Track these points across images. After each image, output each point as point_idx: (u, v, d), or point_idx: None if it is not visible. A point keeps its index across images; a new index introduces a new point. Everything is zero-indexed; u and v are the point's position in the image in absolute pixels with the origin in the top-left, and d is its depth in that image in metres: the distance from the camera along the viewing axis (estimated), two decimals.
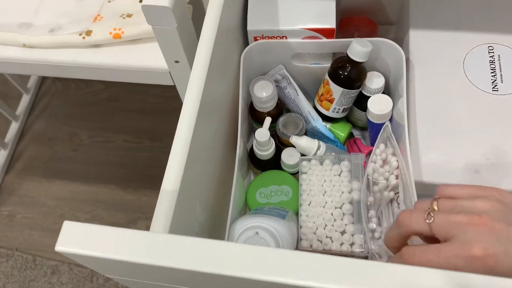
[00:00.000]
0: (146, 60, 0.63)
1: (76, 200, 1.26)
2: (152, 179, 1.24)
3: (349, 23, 0.69)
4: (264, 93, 0.54)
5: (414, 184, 0.46)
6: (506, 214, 0.32)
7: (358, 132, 0.65)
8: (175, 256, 0.27)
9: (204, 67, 0.43)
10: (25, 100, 1.34)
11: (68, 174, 1.29)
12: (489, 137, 0.50)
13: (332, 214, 0.50)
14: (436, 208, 0.34)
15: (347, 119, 0.64)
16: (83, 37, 0.64)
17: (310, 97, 0.62)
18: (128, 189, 1.28)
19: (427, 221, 0.34)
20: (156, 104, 1.35)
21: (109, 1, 0.67)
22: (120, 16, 0.65)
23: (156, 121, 1.33)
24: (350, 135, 0.64)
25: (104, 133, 1.34)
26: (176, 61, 0.57)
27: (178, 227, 0.37)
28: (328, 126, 0.61)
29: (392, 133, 0.50)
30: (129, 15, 0.65)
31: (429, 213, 0.34)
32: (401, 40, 0.61)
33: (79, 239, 0.29)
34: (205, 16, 0.45)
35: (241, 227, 0.42)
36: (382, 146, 0.50)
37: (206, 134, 0.46)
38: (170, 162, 0.38)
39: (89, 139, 1.34)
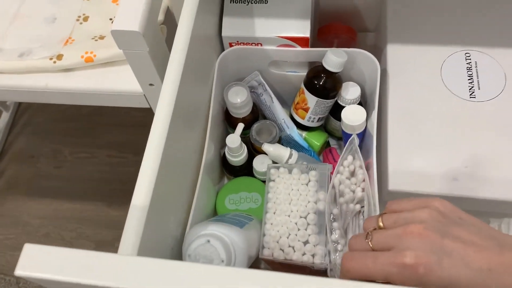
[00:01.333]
0: (120, 83, 0.64)
1: (60, 218, 1.25)
2: None
3: (328, 30, 0.70)
4: (238, 99, 0.57)
5: (377, 196, 0.49)
6: (442, 224, 0.34)
7: (335, 142, 0.65)
8: (138, 278, 0.27)
9: (175, 77, 0.44)
10: (4, 117, 1.35)
11: (52, 191, 1.29)
12: (468, 144, 0.51)
13: (296, 224, 0.51)
14: (381, 223, 0.36)
15: (325, 128, 0.64)
16: (54, 62, 0.64)
17: (287, 104, 0.62)
18: (113, 205, 1.28)
19: (367, 240, 0.36)
20: (140, 118, 1.35)
21: (81, 23, 0.67)
22: (92, 38, 0.66)
23: (140, 135, 1.32)
24: (327, 145, 0.64)
25: (88, 149, 1.34)
26: (151, 84, 0.57)
27: (149, 244, 0.37)
28: (304, 134, 0.62)
29: (357, 146, 0.50)
30: (101, 37, 0.65)
31: (368, 233, 0.36)
32: (380, 48, 0.61)
33: (40, 262, 0.28)
34: (178, 26, 0.45)
35: (194, 234, 0.42)
36: (350, 158, 0.51)
37: (182, 145, 0.47)
38: (140, 178, 0.39)
39: (72, 155, 1.34)
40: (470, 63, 0.57)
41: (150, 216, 0.38)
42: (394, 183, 0.51)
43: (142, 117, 1.37)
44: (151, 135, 0.42)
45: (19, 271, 0.28)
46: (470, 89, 0.55)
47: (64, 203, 1.29)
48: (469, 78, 0.56)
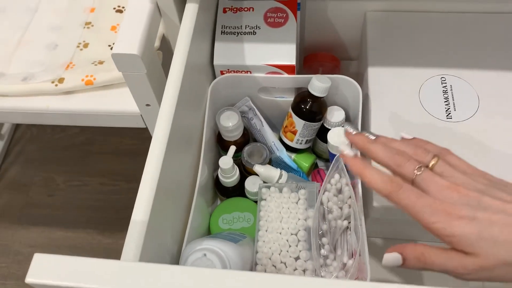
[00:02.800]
0: (118, 104, 0.67)
1: (53, 246, 1.25)
2: (129, 222, 1.23)
3: (314, 59, 0.74)
4: (230, 123, 0.59)
5: (363, 212, 0.51)
6: (486, 191, 0.38)
7: (323, 164, 0.68)
8: (145, 283, 0.29)
9: (172, 102, 0.47)
10: None
11: (44, 220, 1.30)
12: None
13: (287, 240, 0.53)
14: (434, 162, 0.41)
15: (313, 151, 0.67)
16: (56, 85, 0.67)
17: (276, 128, 0.65)
18: (106, 232, 1.29)
19: (415, 171, 0.40)
20: (132, 146, 1.37)
21: (81, 49, 0.71)
22: (92, 63, 0.69)
23: (132, 163, 1.35)
24: (315, 166, 0.67)
25: (80, 177, 1.36)
26: (147, 105, 0.60)
27: (148, 257, 0.39)
28: (293, 156, 0.65)
29: (343, 164, 0.53)
30: (100, 62, 0.69)
31: (421, 167, 0.40)
32: (362, 74, 0.65)
33: (49, 270, 0.30)
34: (173, 55, 0.48)
35: (191, 249, 0.44)
36: (336, 176, 0.54)
37: (177, 167, 0.50)
38: (139, 194, 0.41)
39: (65, 183, 1.35)
40: (446, 87, 0.61)
41: (149, 231, 0.40)
42: (378, 199, 0.54)
43: (134, 146, 1.39)
44: (149, 156, 0.44)
45: (29, 279, 0.30)
46: (446, 111, 0.59)
47: (56, 231, 1.29)
48: (445, 100, 0.60)
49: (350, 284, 0.29)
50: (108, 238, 1.27)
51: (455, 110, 0.59)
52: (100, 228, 1.28)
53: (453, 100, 0.59)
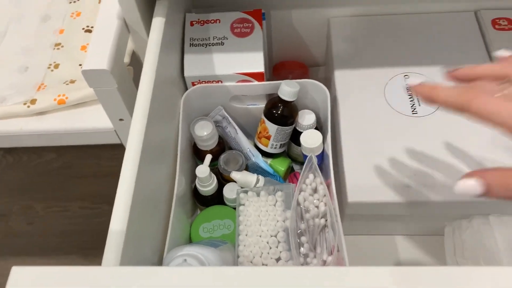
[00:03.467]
0: (91, 121, 0.67)
1: None
2: None
3: (282, 67, 0.75)
4: (204, 132, 0.60)
5: (338, 209, 0.52)
6: None
7: (299, 167, 0.70)
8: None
9: (143, 115, 0.47)
10: None
11: (25, 249, 1.27)
12: (414, 154, 0.56)
13: (267, 242, 0.54)
14: None
15: (288, 155, 0.68)
16: (28, 106, 0.67)
17: (251, 135, 0.66)
18: (89, 257, 1.26)
19: (501, 87, 0.35)
20: (110, 168, 1.36)
21: (52, 70, 0.71)
22: (64, 83, 0.69)
23: (111, 184, 1.31)
24: (291, 170, 0.68)
25: (60, 203, 1.34)
26: (121, 119, 0.61)
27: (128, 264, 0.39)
28: (269, 161, 0.66)
29: (316, 164, 0.54)
30: (72, 81, 0.69)
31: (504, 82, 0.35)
32: (329, 78, 0.67)
33: (28, 283, 0.30)
34: (142, 69, 0.49)
35: (171, 256, 0.45)
36: (311, 176, 0.56)
37: (153, 179, 0.50)
38: (115, 207, 0.41)
39: (44, 210, 1.33)
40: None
41: (127, 241, 0.40)
42: (353, 196, 0.55)
43: (113, 167, 1.38)
44: (122, 169, 0.45)
45: None
46: (411, 106, 0.61)
47: (37, 260, 1.26)
48: (409, 96, 0.62)
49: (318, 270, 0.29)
50: (91, 262, 1.25)
51: (419, 105, 0.61)
52: (82, 253, 1.26)
53: (417, 96, 0.61)
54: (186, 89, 0.63)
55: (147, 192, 0.48)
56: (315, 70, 0.81)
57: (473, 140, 0.57)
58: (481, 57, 0.65)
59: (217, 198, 0.63)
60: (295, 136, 0.65)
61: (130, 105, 0.60)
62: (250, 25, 0.64)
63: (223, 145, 0.66)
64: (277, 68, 0.77)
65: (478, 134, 0.58)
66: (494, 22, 0.68)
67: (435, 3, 0.70)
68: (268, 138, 0.64)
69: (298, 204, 0.56)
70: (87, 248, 1.26)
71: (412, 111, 0.60)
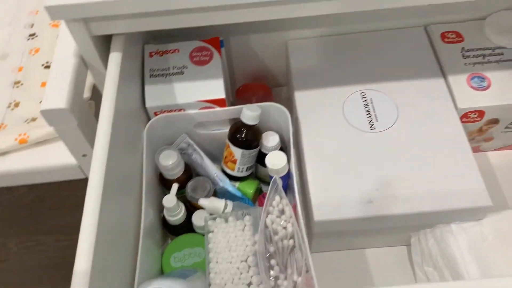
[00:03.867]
0: (55, 158, 0.67)
1: None
2: None
3: (246, 89, 0.77)
4: (169, 161, 0.61)
5: (304, 229, 0.52)
6: None
7: (267, 187, 0.70)
8: None
9: (103, 149, 0.47)
10: None
11: None
12: (375, 169, 0.57)
13: (238, 268, 0.54)
14: None
15: (256, 176, 0.69)
16: None
17: (218, 159, 0.67)
18: None
19: None
20: (84, 198, 1.32)
21: (12, 109, 0.70)
22: (25, 121, 0.68)
23: None
24: (260, 191, 0.68)
25: (34, 237, 1.30)
26: (84, 155, 0.60)
27: None
28: (237, 185, 0.66)
29: (281, 186, 0.55)
30: (33, 119, 0.68)
31: None
32: (291, 98, 0.68)
33: None
34: (101, 103, 0.49)
35: None
36: (277, 198, 0.56)
37: (119, 212, 0.50)
38: (79, 245, 0.40)
39: (18, 246, 1.29)
40: (366, 100, 0.64)
41: (93, 279, 0.40)
42: (318, 214, 0.56)
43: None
44: (85, 206, 0.44)
45: None
46: (369, 122, 0.62)
47: None
48: (367, 113, 0.63)
49: None
50: None
51: (377, 121, 0.62)
52: (60, 286, 1.23)
53: (374, 112, 0.63)
54: (149, 119, 0.63)
55: (113, 226, 0.47)
56: (278, 90, 0.82)
57: (429, 151, 0.59)
58: (433, 69, 0.67)
59: (187, 226, 0.62)
60: (261, 158, 0.66)
61: (92, 141, 0.59)
62: (209, 53, 0.64)
63: (190, 173, 0.66)
64: (241, 91, 0.78)
65: (434, 145, 0.60)
66: (443, 36, 0.71)
67: (387, 20, 0.72)
68: (234, 162, 0.64)
69: (266, 226, 0.56)
70: (64, 280, 1.23)
71: (370, 127, 0.62)
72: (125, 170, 0.55)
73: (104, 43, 0.58)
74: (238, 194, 0.65)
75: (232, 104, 0.72)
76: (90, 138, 0.59)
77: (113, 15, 0.52)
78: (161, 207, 0.65)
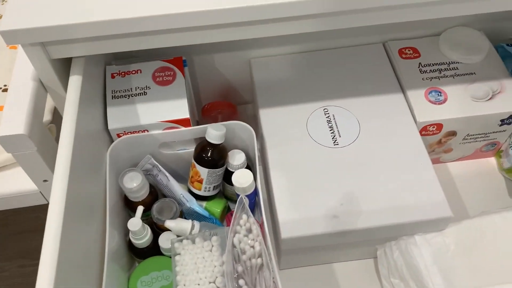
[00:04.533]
0: (14, 185, 0.65)
1: None
2: None
3: (211, 107, 0.76)
4: (134, 184, 0.60)
5: (271, 247, 0.53)
6: None
7: (235, 205, 0.69)
8: None
9: (64, 174, 0.47)
10: None
11: None
12: (339, 184, 0.58)
13: None
14: None
15: (224, 195, 0.68)
16: None
17: (185, 179, 0.66)
18: None
19: None
20: None
21: None
22: None
23: None
24: (228, 209, 0.68)
25: None
26: (45, 180, 0.58)
27: None
28: (204, 204, 0.65)
29: (247, 205, 0.55)
30: None
31: None
32: (257, 116, 0.68)
33: None
34: (62, 125, 0.48)
35: None
36: (244, 216, 0.55)
37: (82, 237, 0.48)
38: (39, 273, 0.39)
39: None
40: (329, 116, 0.65)
41: None
42: (285, 231, 0.56)
43: None
44: (46, 231, 0.43)
45: None
46: (333, 138, 0.63)
47: None
48: (330, 129, 0.64)
49: None
50: None
51: (340, 136, 0.63)
52: None
53: (337, 128, 0.64)
54: (112, 141, 0.62)
55: (76, 252, 0.46)
56: (244, 107, 0.83)
57: (391, 165, 0.60)
58: (392, 84, 0.69)
59: (153, 249, 0.61)
60: (228, 176, 0.65)
61: (53, 165, 0.58)
62: (172, 73, 0.64)
63: (155, 194, 0.65)
64: (206, 110, 0.78)
65: (396, 158, 0.61)
66: (401, 52, 0.73)
67: (347, 37, 0.74)
68: (201, 181, 0.64)
69: (234, 246, 0.55)
70: None
71: (334, 142, 0.63)
72: (88, 194, 0.53)
73: (64, 66, 0.56)
74: (205, 214, 0.65)
75: (198, 123, 0.71)
76: (51, 163, 0.58)
77: (72, 39, 0.51)
78: (126, 230, 0.64)
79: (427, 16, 0.53)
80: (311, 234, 0.56)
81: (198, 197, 0.66)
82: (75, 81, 0.54)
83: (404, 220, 0.56)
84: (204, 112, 0.78)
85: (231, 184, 0.65)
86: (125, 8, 0.50)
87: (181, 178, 0.68)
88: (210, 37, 0.54)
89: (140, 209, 0.59)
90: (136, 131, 0.62)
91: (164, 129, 0.63)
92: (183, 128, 0.63)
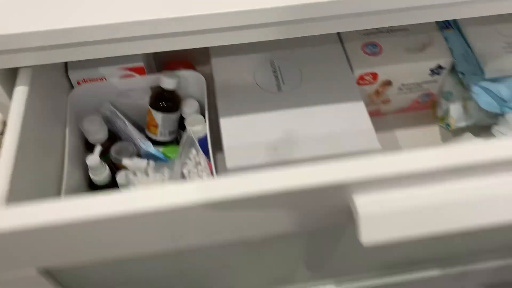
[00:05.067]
0: None
1: None
2: None
3: (169, 66, 0.81)
4: (91, 126, 0.63)
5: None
6: None
7: None
8: None
9: (19, 112, 0.50)
10: None
11: None
12: (280, 122, 0.64)
13: None
14: None
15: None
16: None
17: (144, 130, 0.71)
18: None
19: None
20: None
21: None
22: None
23: None
24: None
25: None
26: None
27: None
28: (160, 150, 0.70)
29: (196, 140, 0.60)
30: None
31: None
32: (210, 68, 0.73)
33: None
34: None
35: None
36: (194, 151, 0.60)
37: (38, 172, 0.52)
38: None
39: None
40: (275, 67, 0.71)
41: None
42: (230, 161, 0.62)
43: None
44: None
45: None
46: (277, 85, 0.69)
47: None
48: (275, 77, 0.70)
49: None
50: None
51: (284, 84, 0.69)
52: None
53: (281, 76, 0.70)
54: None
55: (29, 183, 0.50)
56: (202, 68, 0.88)
57: (329, 107, 0.67)
58: (332, 38, 0.75)
59: (112, 187, 0.66)
60: (183, 125, 0.71)
61: None
62: None
63: (114, 139, 0.70)
64: (166, 68, 0.82)
65: (333, 102, 0.67)
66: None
67: None
68: (156, 126, 0.69)
69: (183, 177, 0.61)
70: None
71: (278, 89, 0.69)
72: (45, 136, 0.57)
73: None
74: (161, 156, 0.70)
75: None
76: None
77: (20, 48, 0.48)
78: (87, 171, 0.69)
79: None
80: (254, 164, 0.62)
81: (155, 143, 0.71)
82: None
83: (336, 151, 0.62)
84: (163, 69, 0.83)
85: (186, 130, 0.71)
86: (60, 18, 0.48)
87: (140, 129, 0.73)
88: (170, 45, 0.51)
89: (98, 147, 0.64)
90: (95, 79, 0.67)
91: (120, 77, 0.68)
92: (139, 76, 0.68)
